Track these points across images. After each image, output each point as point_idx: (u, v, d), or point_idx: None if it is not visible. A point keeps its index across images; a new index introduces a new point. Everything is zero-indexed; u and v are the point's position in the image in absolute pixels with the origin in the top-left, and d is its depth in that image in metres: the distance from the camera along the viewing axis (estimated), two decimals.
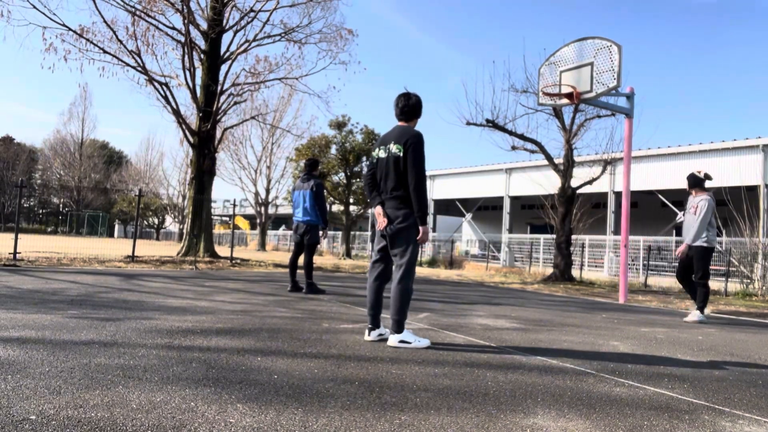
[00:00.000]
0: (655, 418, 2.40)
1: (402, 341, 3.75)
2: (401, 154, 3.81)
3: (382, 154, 3.95)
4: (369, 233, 33.92)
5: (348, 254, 28.02)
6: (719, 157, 20.92)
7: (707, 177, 6.80)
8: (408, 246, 3.82)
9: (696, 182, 6.79)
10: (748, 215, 12.38)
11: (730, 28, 78.96)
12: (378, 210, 3.91)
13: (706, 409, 2.60)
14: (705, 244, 6.58)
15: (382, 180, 3.93)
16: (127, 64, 14.36)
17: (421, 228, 3.81)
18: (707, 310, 6.70)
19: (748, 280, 12.32)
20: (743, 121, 78.94)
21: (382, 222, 3.87)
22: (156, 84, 14.53)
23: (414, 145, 3.79)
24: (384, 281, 4.00)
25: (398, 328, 3.77)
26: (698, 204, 6.64)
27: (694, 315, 6.61)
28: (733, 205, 12.71)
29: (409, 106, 4.01)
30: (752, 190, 17.80)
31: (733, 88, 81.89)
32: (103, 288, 6.58)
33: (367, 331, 3.98)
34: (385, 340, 3.89)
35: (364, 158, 28.27)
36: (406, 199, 3.82)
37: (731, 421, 2.43)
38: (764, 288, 11.79)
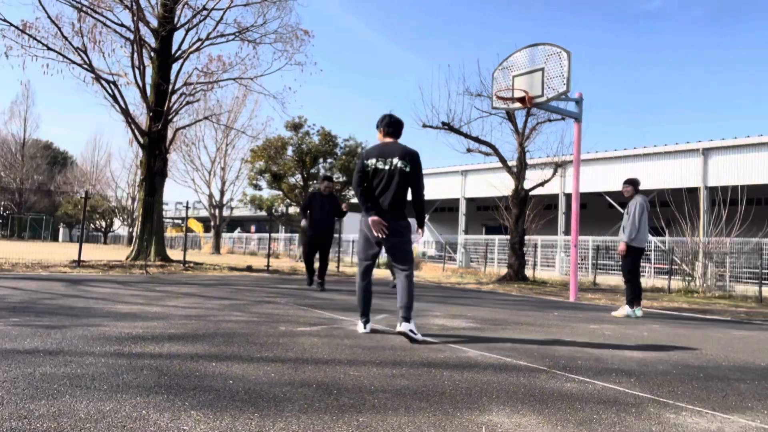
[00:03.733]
0: (604, 412, 2.49)
1: (411, 330, 4.15)
2: (408, 170, 4.27)
3: (381, 165, 4.30)
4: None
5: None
6: (662, 161, 21.85)
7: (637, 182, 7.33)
8: (410, 253, 4.39)
9: (634, 186, 7.22)
10: (689, 216, 12.98)
11: (670, 36, 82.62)
12: (376, 219, 4.25)
13: (651, 402, 2.72)
14: (633, 244, 6.97)
15: (382, 191, 4.28)
16: (73, 62, 13.82)
17: (419, 231, 4.53)
18: (639, 309, 6.96)
19: (690, 278, 12.93)
20: (684, 124, 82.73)
21: (382, 231, 4.25)
22: (103, 82, 14.04)
23: (419, 162, 4.34)
24: (371, 282, 4.53)
25: (410, 316, 4.20)
26: (629, 205, 7.08)
27: (622, 309, 7.04)
28: (675, 206, 13.31)
29: (396, 124, 4.49)
30: (693, 191, 18.67)
31: (675, 93, 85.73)
32: (47, 294, 6.31)
33: (362, 325, 4.47)
34: (376, 330, 4.51)
35: (321, 160, 28.12)
36: (403, 208, 4.33)
37: (675, 413, 2.54)
38: (705, 285, 12.39)
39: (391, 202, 4.25)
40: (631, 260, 7.03)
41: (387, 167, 4.26)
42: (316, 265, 9.03)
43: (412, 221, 4.55)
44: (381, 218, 4.25)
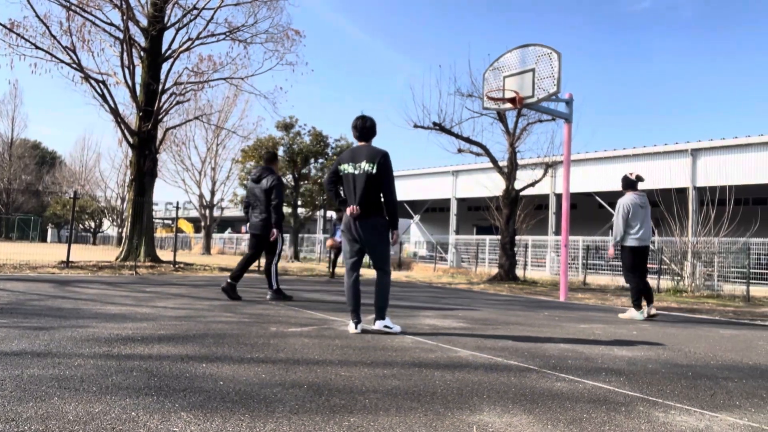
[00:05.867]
0: (594, 411, 2.51)
1: (386, 326, 4.54)
2: (374, 171, 4.40)
3: (351, 169, 4.47)
4: (321, 236, 33.71)
5: (296, 257, 27.74)
6: (651, 161, 22.02)
7: (639, 179, 7.01)
8: (386, 252, 4.60)
9: (625, 184, 7.05)
10: (678, 216, 13.09)
11: (659, 37, 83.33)
12: (352, 208, 4.44)
13: (640, 401, 2.73)
14: (626, 244, 6.81)
15: (351, 192, 4.46)
16: (62, 61, 13.70)
17: (393, 232, 4.56)
18: (642, 311, 6.72)
19: (679, 277, 13.02)
20: (673, 125, 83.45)
21: (355, 211, 4.42)
22: (92, 82, 13.93)
23: (386, 162, 4.45)
24: (359, 279, 4.63)
25: (383, 315, 4.56)
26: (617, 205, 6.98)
27: (630, 312, 6.78)
28: (664, 207, 13.41)
29: (366, 129, 4.60)
30: (682, 192, 18.81)
31: (664, 94, 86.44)
32: (35, 295, 6.25)
33: (353, 326, 4.47)
34: (367, 331, 4.51)
35: (312, 160, 28.08)
36: (379, 209, 4.47)
37: (664, 412, 2.56)
38: (693, 284, 12.49)
39: (360, 203, 4.41)
40: (626, 261, 6.86)
41: (356, 171, 4.46)
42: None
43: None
44: (355, 214, 4.45)
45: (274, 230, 6.81)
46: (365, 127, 4.60)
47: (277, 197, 6.74)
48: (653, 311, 6.74)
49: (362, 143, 4.62)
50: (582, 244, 19.68)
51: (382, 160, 4.44)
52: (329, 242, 13.17)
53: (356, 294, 4.51)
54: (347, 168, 4.52)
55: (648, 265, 7.19)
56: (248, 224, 6.98)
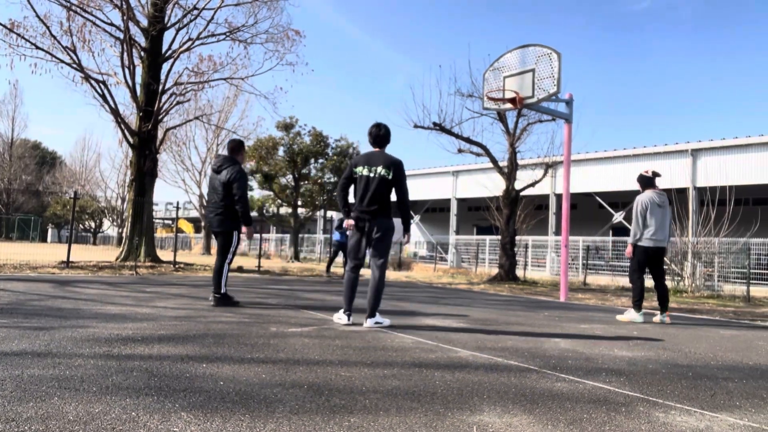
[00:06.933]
0: (594, 411, 2.51)
1: (377, 322, 4.84)
2: (390, 177, 4.78)
3: (366, 172, 4.81)
4: (320, 236, 33.74)
5: (296, 257, 27.74)
6: (651, 161, 22.00)
7: (655, 175, 6.79)
8: (387, 252, 4.91)
9: (643, 182, 6.82)
10: (678, 216, 13.08)
11: (658, 36, 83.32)
12: (351, 221, 4.84)
13: (641, 401, 2.73)
14: (638, 243, 6.61)
15: (362, 194, 4.79)
16: (62, 61, 13.71)
17: (406, 235, 5.02)
18: (641, 312, 6.55)
19: (679, 278, 13.02)
20: (673, 125, 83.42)
21: (351, 224, 4.85)
22: (93, 82, 13.93)
23: (401, 170, 4.84)
24: (358, 277, 4.96)
25: (374, 313, 4.84)
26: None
27: (628, 313, 6.63)
28: None
29: (381, 136, 4.97)
30: (682, 192, 18.82)
31: (664, 94, 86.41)
32: (35, 295, 6.25)
33: (346, 317, 4.82)
34: (368, 330, 4.66)
35: (312, 160, 28.07)
36: (387, 211, 4.80)
37: (664, 412, 2.56)
38: (694, 285, 12.49)
39: (371, 204, 4.75)
40: (635, 260, 6.65)
41: (371, 174, 4.79)
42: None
43: (397, 222, 4.99)
44: (362, 216, 4.80)
45: (244, 228, 6.10)
46: (380, 135, 4.97)
47: (238, 190, 5.94)
48: (667, 320, 6.38)
49: (376, 149, 4.97)
50: (582, 245, 19.66)
51: (398, 168, 4.82)
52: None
53: (354, 288, 4.90)
54: (362, 171, 4.84)
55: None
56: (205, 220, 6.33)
